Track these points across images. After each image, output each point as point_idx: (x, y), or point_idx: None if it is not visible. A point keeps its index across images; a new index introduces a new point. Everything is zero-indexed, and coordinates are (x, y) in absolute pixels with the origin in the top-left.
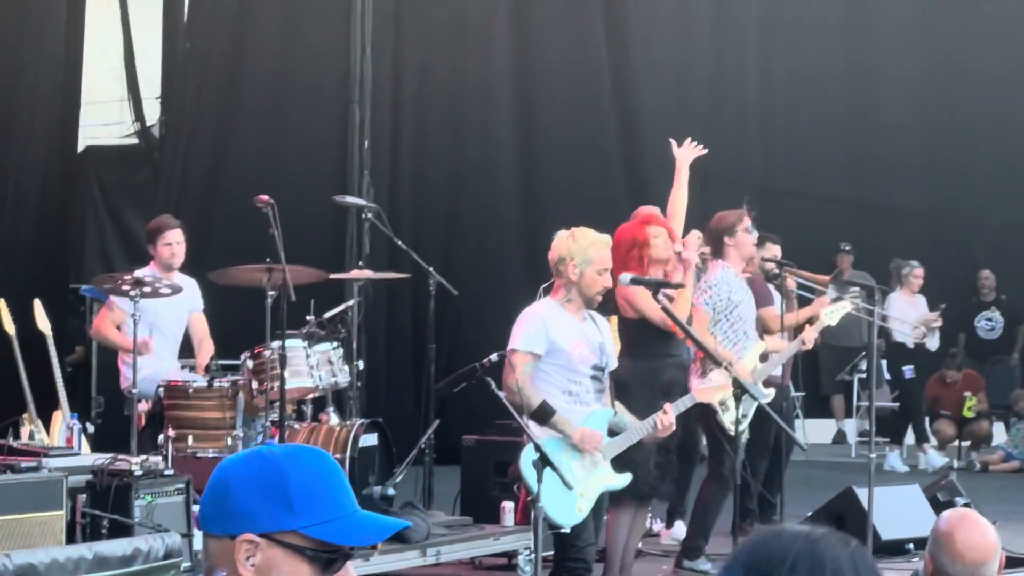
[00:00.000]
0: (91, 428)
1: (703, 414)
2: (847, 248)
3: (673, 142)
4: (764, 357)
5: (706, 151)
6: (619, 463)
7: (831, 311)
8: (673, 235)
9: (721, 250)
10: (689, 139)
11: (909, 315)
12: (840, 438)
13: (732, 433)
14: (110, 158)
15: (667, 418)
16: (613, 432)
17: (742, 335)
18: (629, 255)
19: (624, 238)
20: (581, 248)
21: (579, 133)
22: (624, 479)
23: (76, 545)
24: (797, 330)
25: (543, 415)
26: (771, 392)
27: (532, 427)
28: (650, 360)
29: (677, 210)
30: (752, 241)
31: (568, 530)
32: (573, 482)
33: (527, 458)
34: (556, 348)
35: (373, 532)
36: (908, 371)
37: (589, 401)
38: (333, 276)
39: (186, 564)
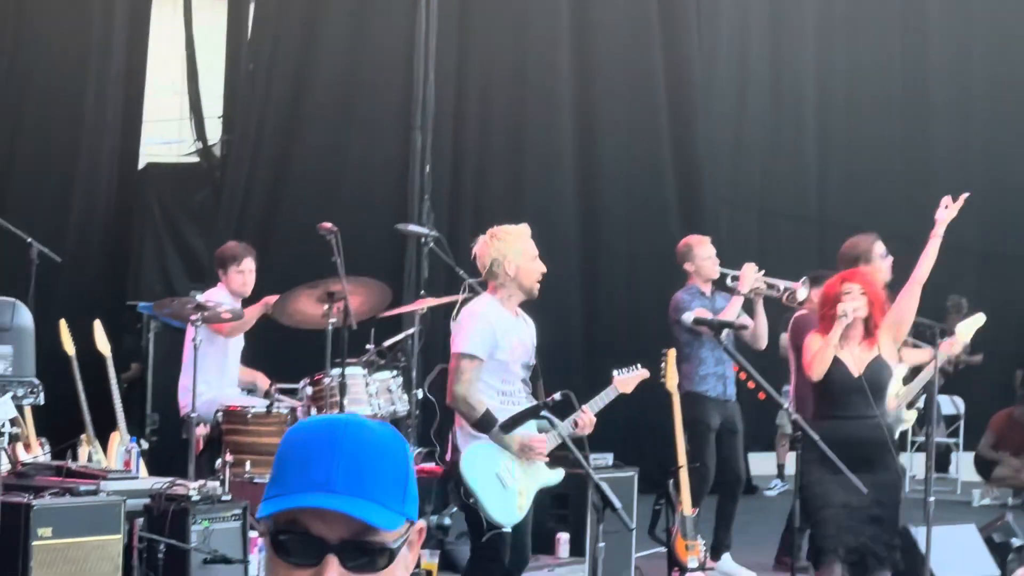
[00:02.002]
0: (145, 445)
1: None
2: None
3: (943, 203)
4: (907, 380)
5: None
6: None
7: (966, 325)
8: (870, 290)
9: None
10: (950, 199)
11: None
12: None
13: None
14: (170, 176)
15: (586, 416)
16: (541, 431)
17: None
18: (823, 312)
19: (823, 296)
20: (509, 244)
21: (639, 158)
22: (558, 474)
23: None
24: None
25: (486, 424)
26: (912, 415)
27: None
28: (839, 422)
29: (921, 273)
30: (889, 266)
31: (509, 529)
32: (518, 482)
33: (469, 458)
34: (498, 350)
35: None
36: None
37: (520, 400)
38: (388, 313)
39: None
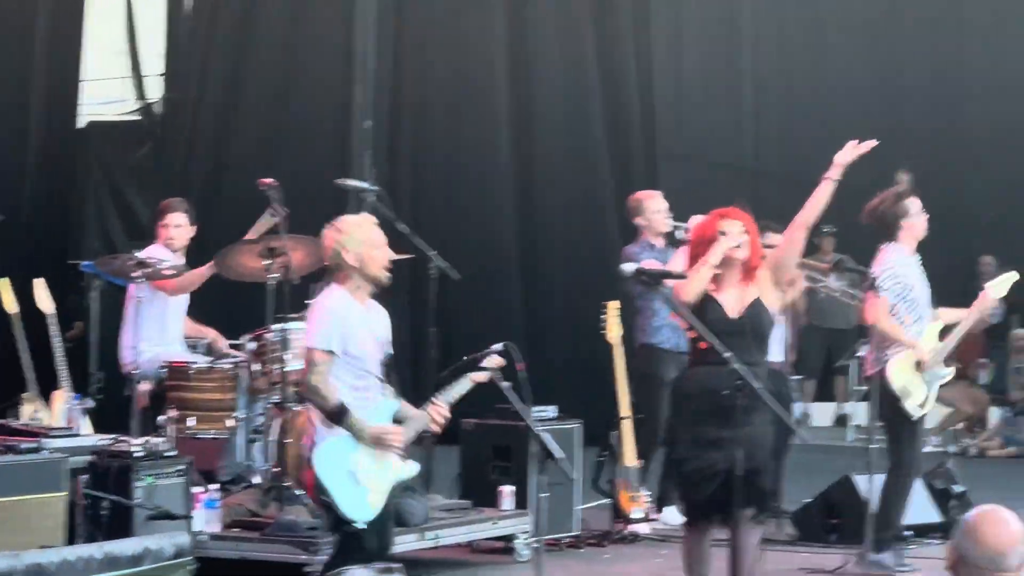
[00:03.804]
0: (90, 404)
1: (883, 402)
2: (828, 231)
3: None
4: (942, 335)
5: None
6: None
7: (997, 283)
8: (752, 230)
9: (893, 233)
10: (856, 142)
11: None
12: (843, 421)
13: (915, 418)
14: (111, 134)
15: (440, 410)
16: (397, 423)
17: (919, 316)
18: (698, 250)
19: (697, 235)
20: (349, 235)
21: (574, 112)
22: (412, 467)
23: (85, 545)
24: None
25: (340, 416)
26: (951, 371)
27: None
28: (714, 368)
29: (807, 216)
30: (925, 219)
31: (363, 525)
32: (371, 479)
33: (321, 456)
34: (350, 345)
35: None
36: None
37: (375, 397)
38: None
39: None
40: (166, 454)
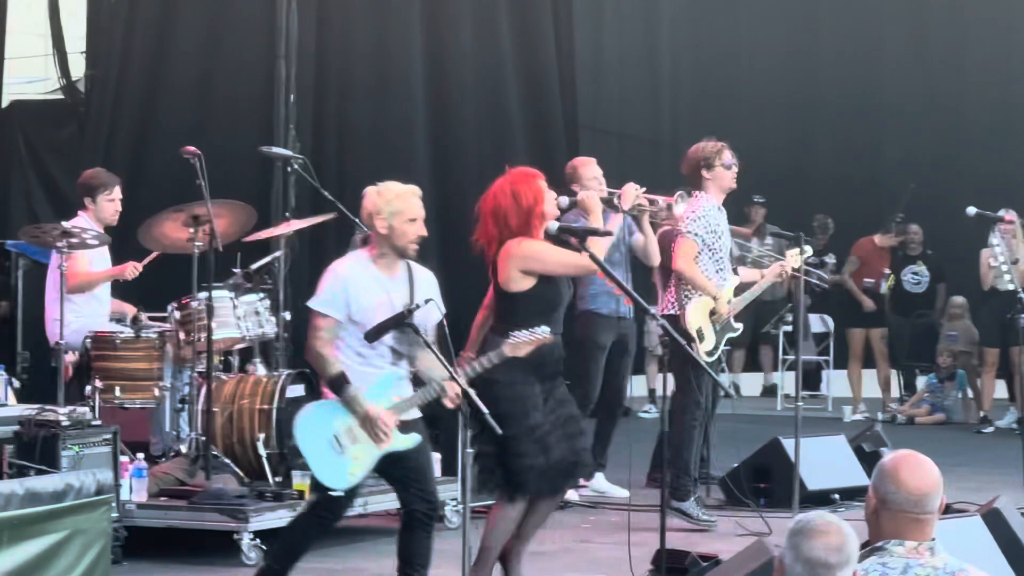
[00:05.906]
0: (16, 384)
1: (675, 345)
2: (760, 200)
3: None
4: (739, 291)
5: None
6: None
7: (794, 253)
8: None
9: (699, 182)
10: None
11: None
12: (771, 391)
13: (703, 363)
14: (35, 113)
15: (454, 388)
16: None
17: (721, 267)
18: (534, 213)
19: (532, 196)
20: (387, 201)
21: (487, 85)
22: (412, 439)
23: (7, 481)
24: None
25: (339, 385)
26: (740, 326)
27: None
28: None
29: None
30: (732, 174)
31: (340, 493)
32: (357, 449)
33: (303, 420)
34: (352, 312)
35: None
36: None
37: (381, 364)
38: (254, 237)
39: (114, 515)
40: (93, 423)
